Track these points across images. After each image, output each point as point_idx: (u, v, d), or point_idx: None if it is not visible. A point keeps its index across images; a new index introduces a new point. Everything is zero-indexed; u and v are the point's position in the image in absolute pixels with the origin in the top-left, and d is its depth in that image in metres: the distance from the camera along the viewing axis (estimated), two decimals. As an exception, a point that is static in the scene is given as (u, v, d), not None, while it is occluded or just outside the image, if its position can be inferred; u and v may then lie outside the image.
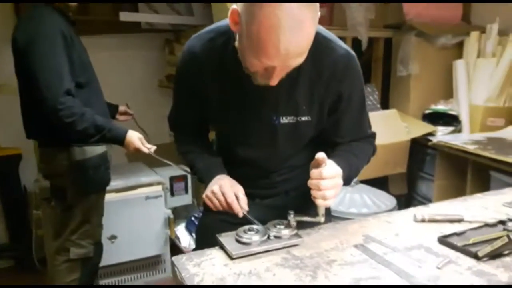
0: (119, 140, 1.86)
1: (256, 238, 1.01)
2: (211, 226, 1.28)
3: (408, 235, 1.10)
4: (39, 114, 1.78)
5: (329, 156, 1.02)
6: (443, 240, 1.05)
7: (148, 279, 2.77)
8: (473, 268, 0.93)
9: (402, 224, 1.18)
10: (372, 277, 0.90)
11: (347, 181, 1.11)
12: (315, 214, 1.04)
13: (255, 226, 1.06)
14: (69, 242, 1.99)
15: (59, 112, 1.67)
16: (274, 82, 0.96)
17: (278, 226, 1.07)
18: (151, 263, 2.79)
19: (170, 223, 2.74)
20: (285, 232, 1.05)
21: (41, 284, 2.21)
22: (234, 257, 0.97)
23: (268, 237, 1.03)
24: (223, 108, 1.16)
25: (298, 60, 0.92)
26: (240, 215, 1.09)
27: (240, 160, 1.24)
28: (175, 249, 2.93)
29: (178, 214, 3.20)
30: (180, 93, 1.25)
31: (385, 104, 3.23)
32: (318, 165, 0.96)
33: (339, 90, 1.12)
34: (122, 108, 2.39)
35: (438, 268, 0.93)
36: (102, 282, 2.60)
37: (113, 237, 2.57)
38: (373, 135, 1.26)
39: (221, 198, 1.10)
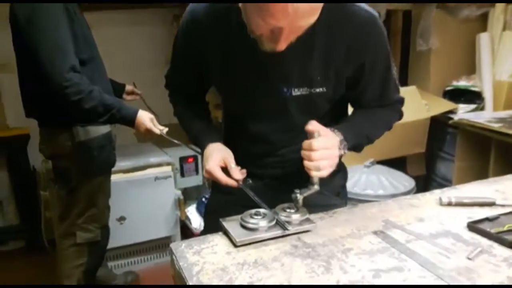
0: (130, 120, 1.75)
1: (263, 223, 0.91)
2: (218, 208, 1.20)
3: (434, 221, 0.99)
4: (39, 91, 1.69)
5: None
6: (474, 227, 0.94)
7: (158, 260, 2.72)
8: (510, 260, 0.82)
9: (427, 208, 1.07)
10: (393, 269, 0.79)
11: (357, 148, 1.09)
12: (310, 184, 0.96)
13: (262, 210, 0.95)
14: (75, 226, 1.92)
15: (66, 89, 1.57)
16: (281, 46, 0.84)
17: (288, 210, 0.96)
18: (161, 244, 2.73)
19: (180, 204, 2.67)
20: (296, 216, 0.94)
21: (51, 265, 2.18)
22: (238, 244, 0.87)
23: (277, 222, 0.93)
24: (228, 77, 1.07)
25: (308, 20, 0.81)
26: (234, 185, 1.02)
27: (250, 136, 1.14)
28: (186, 231, 2.88)
29: (189, 195, 3.14)
30: (180, 54, 1.16)
31: (403, 80, 3.09)
32: (310, 135, 0.92)
33: (361, 60, 1.01)
34: (129, 87, 2.29)
35: (469, 259, 0.82)
36: (111, 264, 2.56)
37: (121, 219, 2.51)
38: (400, 101, 1.16)
39: (212, 176, 1.02)
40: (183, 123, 1.24)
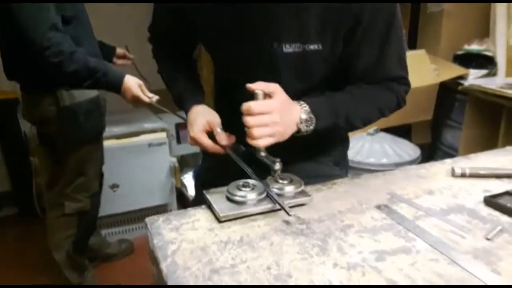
0: (116, 86, 1.62)
1: (251, 195, 0.80)
2: (209, 178, 1.09)
3: (446, 194, 0.88)
4: (19, 52, 1.56)
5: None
6: (492, 201, 0.82)
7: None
8: (535, 240, 0.71)
9: (437, 179, 0.95)
10: (399, 250, 0.68)
11: (331, 130, 0.91)
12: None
13: (251, 181, 0.84)
14: (63, 196, 1.83)
15: (46, 50, 1.44)
16: None
17: (280, 181, 0.85)
18: (156, 212, 2.56)
19: (176, 171, 2.57)
20: (289, 188, 0.83)
21: (44, 231, 2.11)
22: (223, 219, 0.76)
23: (267, 195, 0.82)
24: (214, 30, 0.94)
25: None
26: (220, 151, 0.91)
27: (239, 102, 1.01)
28: (182, 198, 2.80)
29: (186, 162, 3.05)
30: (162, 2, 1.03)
31: (413, 43, 2.93)
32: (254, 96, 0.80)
33: (357, 12, 0.85)
34: (120, 50, 2.14)
35: (488, 239, 0.71)
36: (104, 231, 2.50)
37: (114, 186, 2.43)
38: (402, 79, 0.96)
39: (196, 143, 0.91)
40: (166, 81, 1.12)
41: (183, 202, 2.84)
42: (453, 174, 0.96)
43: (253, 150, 0.83)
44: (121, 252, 2.42)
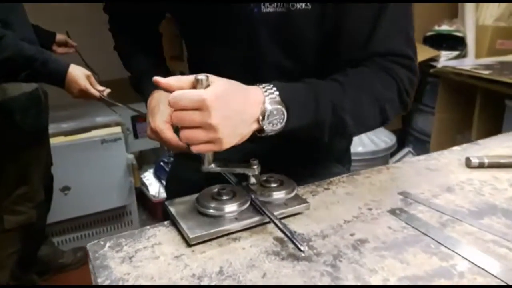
0: (58, 78, 1.36)
1: (231, 206, 0.60)
2: (182, 179, 0.89)
3: (468, 191, 0.71)
4: None
5: None
6: (529, 198, 0.67)
7: (113, 233, 2.40)
8: None
9: (452, 172, 0.79)
10: (437, 274, 0.50)
11: (319, 126, 0.64)
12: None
13: (229, 187, 0.64)
14: (1, 209, 1.55)
15: None
16: None
17: (266, 185, 0.66)
18: (115, 215, 2.41)
19: (134, 169, 2.32)
20: (279, 194, 0.64)
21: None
22: (193, 242, 0.56)
23: (252, 203, 0.62)
24: None
25: None
26: (185, 149, 0.69)
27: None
28: (143, 199, 2.57)
29: (145, 159, 2.80)
30: None
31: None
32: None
33: None
34: (60, 36, 1.86)
35: (545, 250, 0.55)
36: (56, 239, 2.23)
37: (65, 189, 2.16)
38: (404, 59, 0.70)
39: (157, 138, 0.71)
40: (124, 58, 0.91)
41: (145, 203, 2.60)
42: (469, 165, 0.80)
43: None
44: (76, 261, 2.15)
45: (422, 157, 0.86)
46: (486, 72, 2.12)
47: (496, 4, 2.52)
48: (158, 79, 0.56)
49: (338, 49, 0.73)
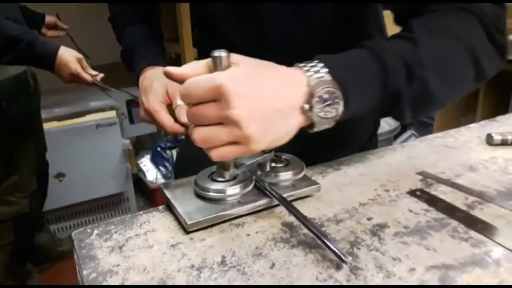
0: (47, 61, 1.28)
1: (233, 188, 0.53)
2: (190, 159, 0.81)
3: (493, 170, 0.65)
4: None
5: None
6: (562, 177, 0.60)
7: (109, 220, 2.34)
8: None
9: (472, 150, 0.72)
10: (469, 262, 0.44)
11: (395, 102, 0.49)
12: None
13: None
14: None
15: None
16: None
17: (273, 165, 0.59)
18: (112, 202, 2.36)
19: (130, 155, 2.26)
20: (286, 174, 0.57)
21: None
22: (192, 228, 0.50)
23: (256, 185, 0.55)
24: None
25: None
26: (181, 132, 0.63)
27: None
28: (140, 185, 2.51)
29: (142, 144, 2.73)
30: None
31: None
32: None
33: None
34: (50, 18, 1.78)
35: None
36: (53, 227, 2.17)
37: (60, 175, 2.10)
38: None
39: (151, 121, 0.65)
40: (117, 30, 0.84)
41: (142, 189, 2.54)
42: (490, 143, 0.73)
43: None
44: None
45: (439, 134, 0.80)
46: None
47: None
48: (169, 69, 0.44)
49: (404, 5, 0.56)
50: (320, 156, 0.68)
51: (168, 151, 2.47)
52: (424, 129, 2.70)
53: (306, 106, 0.43)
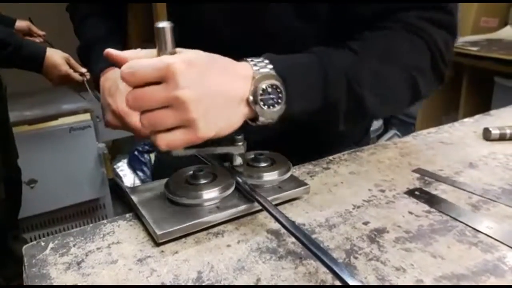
0: (35, 64, 1.24)
1: (211, 192, 0.46)
2: (169, 164, 0.74)
3: (493, 166, 0.60)
4: None
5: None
6: None
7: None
8: None
9: (469, 145, 0.67)
10: (482, 269, 0.38)
11: (332, 107, 0.50)
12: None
13: (208, 168, 0.51)
14: None
15: None
16: None
17: (255, 165, 0.53)
18: (88, 209, 2.25)
19: (106, 160, 2.16)
20: (271, 175, 0.51)
21: None
22: (161, 240, 0.43)
23: (237, 188, 0.49)
24: None
25: None
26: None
27: (201, 38, 0.66)
28: (117, 191, 2.41)
29: (119, 148, 2.64)
30: None
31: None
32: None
33: None
34: (22, 23, 1.66)
35: None
36: (27, 236, 2.06)
37: (32, 182, 1.99)
38: (441, 8, 0.54)
39: (121, 125, 0.58)
40: (76, 22, 0.76)
41: (119, 195, 2.44)
42: (488, 137, 0.69)
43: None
44: None
45: (432, 129, 0.74)
46: (474, 48, 2.04)
47: (480, -19, 2.45)
48: (110, 51, 0.43)
49: (352, 13, 0.57)
50: (309, 157, 0.62)
51: (146, 155, 2.38)
52: (406, 128, 2.69)
53: (251, 98, 0.43)
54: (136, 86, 0.39)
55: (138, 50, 0.43)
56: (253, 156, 0.53)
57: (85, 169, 2.12)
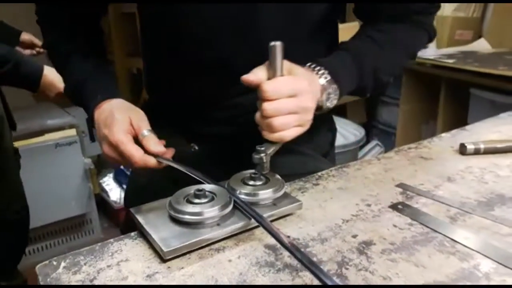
0: (31, 81, 1.19)
1: (211, 210, 0.50)
2: (144, 187, 0.76)
3: (470, 179, 0.65)
4: None
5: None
6: (537, 184, 0.61)
7: (71, 244, 2.24)
8: None
9: (446, 160, 0.72)
10: (459, 277, 0.43)
11: (362, 90, 0.70)
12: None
13: (207, 187, 0.54)
14: None
15: None
16: None
17: (251, 183, 0.56)
18: (74, 225, 2.25)
19: (92, 175, 2.17)
20: (266, 193, 0.54)
21: None
22: (168, 256, 0.46)
23: (235, 206, 0.53)
24: None
25: None
26: (153, 164, 0.57)
27: (187, 66, 0.70)
28: (104, 206, 2.41)
29: (104, 163, 2.64)
30: None
31: (342, 17, 2.76)
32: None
33: None
34: (26, 36, 1.65)
35: None
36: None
37: (17, 199, 1.98)
38: (432, 7, 0.74)
39: (117, 155, 0.58)
40: (57, 60, 0.75)
41: (106, 210, 2.44)
42: (464, 152, 0.74)
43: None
44: None
45: (412, 145, 0.79)
46: (450, 61, 2.12)
47: (455, -6, 2.54)
48: (246, 77, 0.55)
49: (373, 10, 0.73)
50: (292, 168, 0.70)
51: (130, 171, 2.39)
52: (387, 138, 2.75)
53: (323, 98, 0.61)
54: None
55: (257, 69, 0.55)
56: (248, 175, 0.57)
57: (71, 184, 2.13)
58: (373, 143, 2.70)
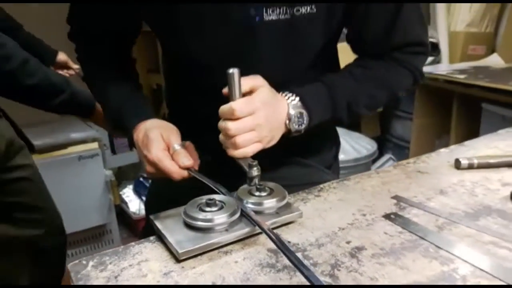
0: (86, 110, 1.17)
1: (220, 217, 0.57)
2: (163, 195, 0.83)
3: (461, 192, 0.70)
4: None
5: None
6: (522, 197, 0.66)
7: (93, 253, 2.31)
8: None
9: (442, 174, 0.78)
10: (439, 279, 0.48)
11: (338, 121, 0.76)
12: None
13: (217, 197, 0.61)
14: None
15: None
16: None
17: (257, 193, 0.63)
18: (95, 235, 2.33)
19: (113, 186, 2.26)
20: (270, 202, 0.61)
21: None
22: (183, 257, 0.53)
23: (242, 214, 0.59)
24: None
25: None
26: (186, 176, 0.65)
27: (201, 92, 0.78)
28: (123, 217, 2.50)
29: (124, 175, 2.73)
30: None
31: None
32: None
33: None
34: (62, 57, 1.67)
35: (545, 249, 0.53)
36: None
37: (41, 209, 2.07)
38: (420, 47, 0.76)
39: (157, 171, 0.65)
40: (96, 91, 0.84)
41: (125, 220, 2.53)
42: (459, 167, 0.79)
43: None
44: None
45: (411, 160, 0.85)
46: (462, 76, 2.15)
47: (467, 9, 2.56)
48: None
49: (357, 46, 0.79)
50: (298, 178, 0.77)
51: (151, 181, 2.47)
52: (401, 152, 2.78)
53: (287, 121, 0.67)
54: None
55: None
56: (254, 187, 0.64)
57: (92, 196, 2.22)
58: (387, 156, 2.74)
